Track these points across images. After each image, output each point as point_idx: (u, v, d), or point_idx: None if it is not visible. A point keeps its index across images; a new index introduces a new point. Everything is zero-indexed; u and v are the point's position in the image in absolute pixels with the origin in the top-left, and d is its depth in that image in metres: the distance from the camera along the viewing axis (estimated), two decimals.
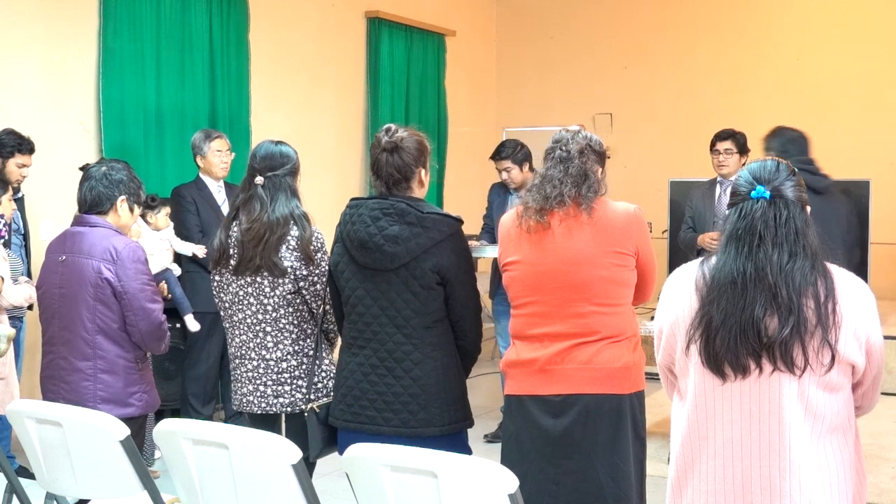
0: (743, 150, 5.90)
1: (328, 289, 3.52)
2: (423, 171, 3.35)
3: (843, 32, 9.20)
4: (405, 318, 3.24)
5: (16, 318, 5.06)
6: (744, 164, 5.71)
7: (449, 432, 3.29)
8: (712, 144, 5.94)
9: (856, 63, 9.11)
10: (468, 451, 3.34)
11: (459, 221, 3.33)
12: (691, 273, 2.36)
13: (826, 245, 2.29)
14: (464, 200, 8.71)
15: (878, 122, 9.04)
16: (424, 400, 3.24)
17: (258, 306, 3.57)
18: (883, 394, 2.66)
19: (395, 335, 3.25)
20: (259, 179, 3.57)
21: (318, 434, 3.46)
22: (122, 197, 3.78)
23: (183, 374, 5.97)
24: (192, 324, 5.58)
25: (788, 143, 4.94)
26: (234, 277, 3.60)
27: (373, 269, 3.26)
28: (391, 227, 3.21)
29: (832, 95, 9.21)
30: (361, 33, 8.60)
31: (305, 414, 3.48)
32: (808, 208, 2.33)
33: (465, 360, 3.39)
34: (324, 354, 3.63)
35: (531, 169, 6.00)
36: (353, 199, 3.39)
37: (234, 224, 3.61)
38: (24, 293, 4.73)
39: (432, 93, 9.34)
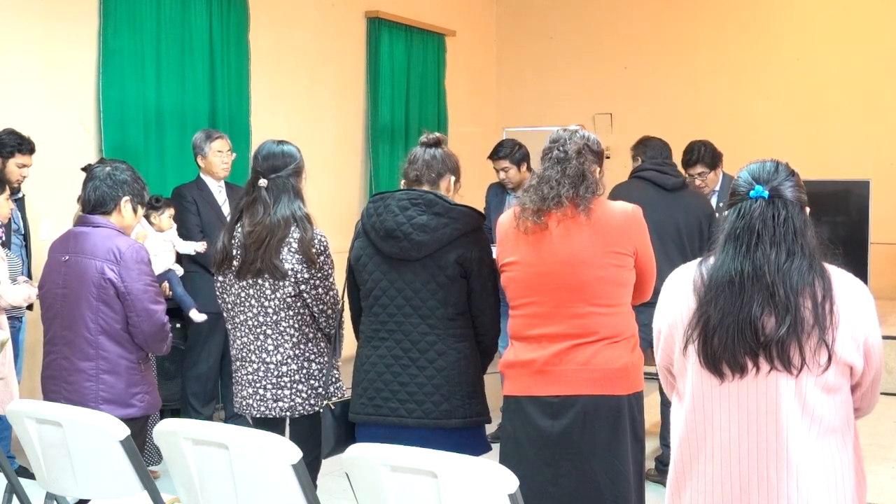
0: (714, 162, 5.55)
1: (347, 285, 3.51)
2: (452, 179, 3.45)
3: (843, 32, 9.19)
4: (430, 308, 3.27)
5: (15, 318, 5.06)
6: (720, 174, 5.68)
7: (470, 425, 3.32)
8: (685, 170, 5.51)
9: (856, 63, 9.11)
10: (487, 446, 3.38)
11: (483, 217, 3.41)
12: (689, 274, 2.36)
13: (825, 245, 2.29)
14: (464, 200, 8.68)
15: (878, 122, 9.03)
16: (447, 391, 3.27)
17: (259, 308, 3.57)
18: (883, 394, 2.66)
19: (420, 325, 3.28)
20: (263, 182, 3.55)
21: (332, 431, 3.44)
22: (126, 197, 3.78)
23: (183, 373, 5.97)
24: (197, 315, 5.60)
25: (643, 147, 5.32)
26: (236, 279, 3.60)
27: (399, 258, 3.29)
28: (419, 217, 3.27)
29: (832, 95, 9.21)
30: (361, 33, 8.60)
31: (321, 410, 3.48)
32: (807, 209, 2.33)
33: (483, 357, 3.41)
34: (333, 360, 3.60)
35: (529, 169, 6.00)
36: (376, 194, 3.47)
37: (237, 226, 3.60)
38: (23, 293, 4.73)
39: (432, 93, 9.33)
